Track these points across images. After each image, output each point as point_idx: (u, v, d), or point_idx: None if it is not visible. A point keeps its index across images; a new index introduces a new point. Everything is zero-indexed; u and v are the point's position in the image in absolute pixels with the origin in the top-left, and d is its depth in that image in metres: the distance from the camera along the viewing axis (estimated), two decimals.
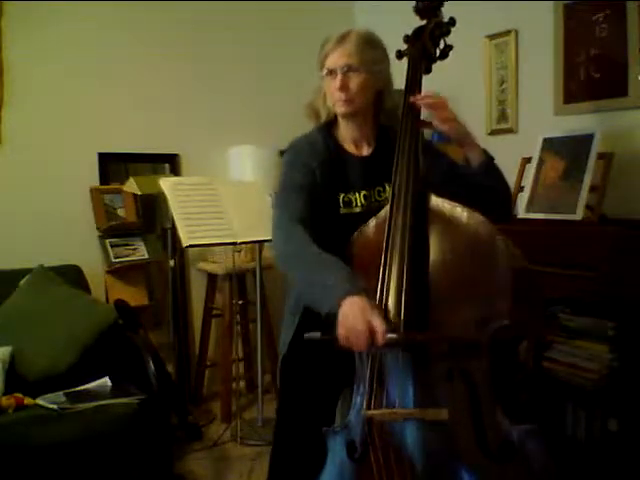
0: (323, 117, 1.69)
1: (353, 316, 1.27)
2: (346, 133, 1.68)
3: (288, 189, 1.60)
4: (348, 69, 1.57)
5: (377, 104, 1.66)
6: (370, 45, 1.61)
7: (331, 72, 1.59)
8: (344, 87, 1.57)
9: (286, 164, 1.67)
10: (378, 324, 1.26)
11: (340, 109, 1.61)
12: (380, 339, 1.25)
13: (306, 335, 1.37)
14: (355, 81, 1.57)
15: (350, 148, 1.68)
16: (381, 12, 3.64)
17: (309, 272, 1.43)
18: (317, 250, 1.43)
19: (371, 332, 1.26)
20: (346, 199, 1.62)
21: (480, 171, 1.53)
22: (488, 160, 1.55)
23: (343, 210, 1.62)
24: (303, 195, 1.57)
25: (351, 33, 1.60)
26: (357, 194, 1.63)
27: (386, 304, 1.37)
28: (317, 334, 1.36)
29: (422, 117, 1.57)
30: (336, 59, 1.58)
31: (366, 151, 1.68)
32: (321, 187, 1.61)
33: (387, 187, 1.62)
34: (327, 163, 1.63)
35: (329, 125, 1.70)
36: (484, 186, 1.53)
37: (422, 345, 1.36)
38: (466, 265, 1.39)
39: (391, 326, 1.30)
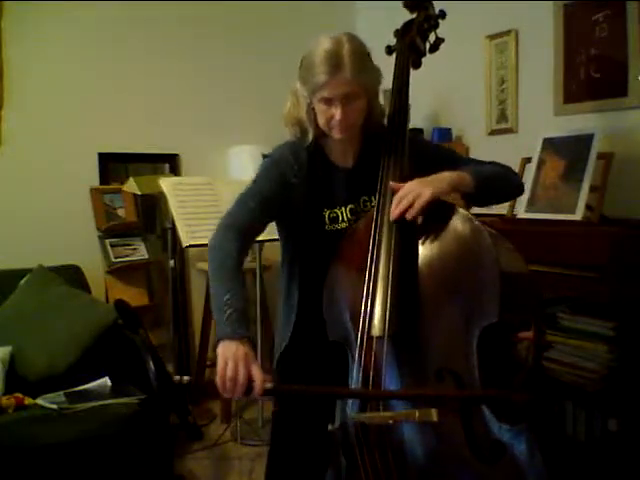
0: (310, 135, 1.56)
1: (233, 366, 1.27)
2: (334, 147, 1.59)
3: (249, 196, 1.55)
4: (347, 97, 1.44)
5: (367, 117, 1.55)
6: (364, 63, 1.46)
7: (327, 100, 1.45)
8: (345, 117, 1.46)
9: (262, 169, 1.59)
10: (257, 375, 1.27)
11: (338, 135, 1.50)
12: (258, 390, 1.26)
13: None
14: (355, 107, 1.47)
15: (337, 160, 1.60)
16: (381, 10, 3.64)
17: (217, 290, 1.47)
18: (233, 272, 1.49)
19: (250, 382, 1.27)
20: (332, 215, 1.57)
21: (477, 194, 1.49)
22: (478, 184, 1.47)
23: (329, 227, 1.57)
24: (261, 208, 1.53)
25: (343, 56, 1.42)
26: (343, 208, 1.58)
27: (372, 307, 1.37)
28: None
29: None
30: (333, 90, 1.43)
31: (350, 162, 1.60)
32: (304, 203, 1.56)
33: (373, 198, 1.53)
34: (311, 178, 1.56)
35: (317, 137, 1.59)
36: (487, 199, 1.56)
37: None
38: (453, 260, 1.36)
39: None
